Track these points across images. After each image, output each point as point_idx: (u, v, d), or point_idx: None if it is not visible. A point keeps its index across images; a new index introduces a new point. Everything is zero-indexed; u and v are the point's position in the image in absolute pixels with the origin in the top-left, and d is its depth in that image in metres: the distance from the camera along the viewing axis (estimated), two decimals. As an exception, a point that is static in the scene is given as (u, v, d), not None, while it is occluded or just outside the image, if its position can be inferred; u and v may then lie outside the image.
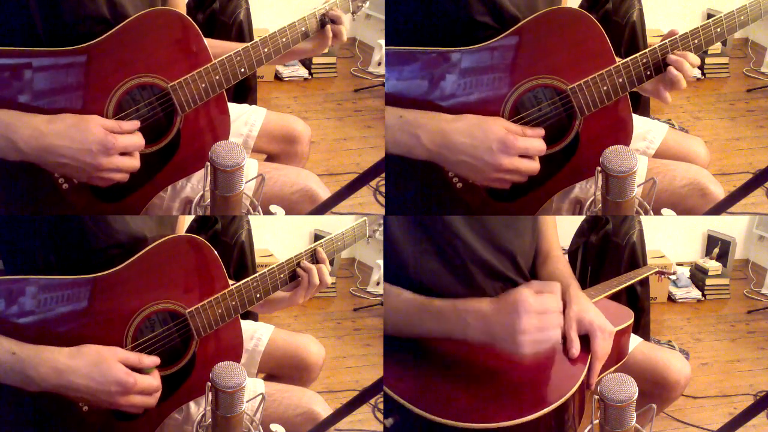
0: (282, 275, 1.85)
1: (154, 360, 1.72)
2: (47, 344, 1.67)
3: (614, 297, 1.98)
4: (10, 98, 1.70)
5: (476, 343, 1.62)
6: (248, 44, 1.79)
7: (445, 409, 1.55)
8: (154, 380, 1.71)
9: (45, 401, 1.68)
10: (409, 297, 1.69)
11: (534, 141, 1.73)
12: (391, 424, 1.62)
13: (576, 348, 1.65)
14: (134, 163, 1.74)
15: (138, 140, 1.73)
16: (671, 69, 1.73)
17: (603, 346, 1.67)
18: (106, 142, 1.69)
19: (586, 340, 1.67)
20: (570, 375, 1.62)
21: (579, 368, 1.63)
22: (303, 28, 1.86)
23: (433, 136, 1.72)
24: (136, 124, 1.74)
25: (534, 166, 1.73)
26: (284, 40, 1.83)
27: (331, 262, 1.97)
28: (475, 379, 1.60)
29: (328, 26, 1.87)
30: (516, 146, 1.71)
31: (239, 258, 2.30)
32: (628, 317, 1.82)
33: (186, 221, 1.94)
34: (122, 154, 1.72)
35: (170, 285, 1.75)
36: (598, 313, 1.69)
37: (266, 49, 1.81)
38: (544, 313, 1.59)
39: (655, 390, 1.97)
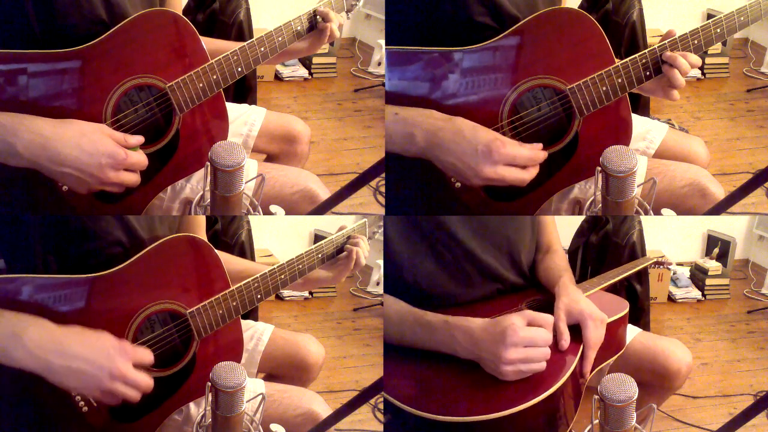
0: (283, 276, 1.85)
1: (138, 139, 1.72)
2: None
3: (613, 294, 1.98)
4: (7, 100, 1.69)
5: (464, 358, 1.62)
6: (245, 43, 1.79)
7: (439, 405, 1.55)
8: (140, 156, 1.71)
9: (44, 401, 1.67)
10: (402, 308, 1.69)
11: (522, 150, 1.71)
12: (387, 421, 1.63)
13: (566, 339, 1.65)
14: (136, 179, 1.73)
15: (144, 160, 1.73)
16: (665, 66, 1.73)
17: (595, 334, 1.67)
18: (116, 154, 1.68)
19: (578, 331, 1.67)
20: (561, 365, 1.62)
21: (570, 359, 1.64)
22: (298, 27, 1.86)
23: (426, 134, 1.72)
24: (140, 140, 1.73)
25: (521, 175, 1.72)
26: (280, 39, 1.83)
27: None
28: (467, 372, 1.61)
29: (324, 24, 1.87)
30: (501, 152, 1.70)
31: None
32: (623, 307, 1.82)
33: (201, 222, 1.93)
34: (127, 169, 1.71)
35: (171, 285, 1.75)
36: (588, 303, 1.69)
37: (262, 48, 1.81)
38: (531, 346, 1.57)
39: (656, 380, 1.96)
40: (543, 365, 1.59)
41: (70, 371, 1.63)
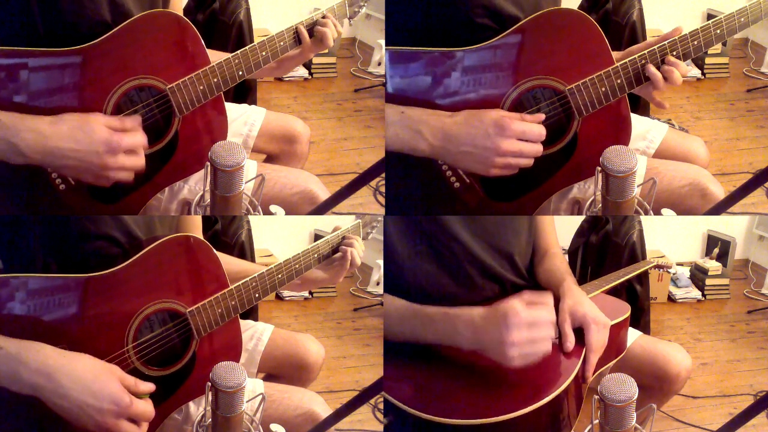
0: (280, 275, 1.85)
1: (149, 387, 1.69)
2: (44, 341, 1.66)
3: (614, 295, 1.98)
4: (7, 99, 1.69)
5: (467, 350, 1.62)
6: (246, 47, 1.79)
7: (441, 407, 1.55)
8: (147, 406, 1.67)
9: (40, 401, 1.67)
10: (402, 304, 1.69)
11: (532, 125, 1.71)
12: (388, 422, 1.63)
13: (570, 342, 1.65)
14: (139, 161, 1.72)
15: (141, 138, 1.72)
16: (664, 67, 1.72)
17: (597, 339, 1.67)
18: (110, 141, 1.68)
19: (582, 333, 1.67)
20: (564, 368, 1.62)
21: (573, 362, 1.64)
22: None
23: (435, 131, 1.72)
24: (138, 119, 1.73)
25: (535, 148, 1.72)
26: (282, 43, 1.83)
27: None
28: (469, 374, 1.60)
29: (323, 30, 1.85)
30: (512, 127, 1.70)
31: (239, 258, 2.30)
32: (624, 311, 1.82)
33: (197, 222, 1.93)
34: (127, 153, 1.70)
35: (170, 284, 1.75)
36: (592, 306, 1.69)
37: (264, 52, 1.81)
38: (534, 325, 1.56)
39: (656, 383, 1.97)
40: (549, 346, 1.57)
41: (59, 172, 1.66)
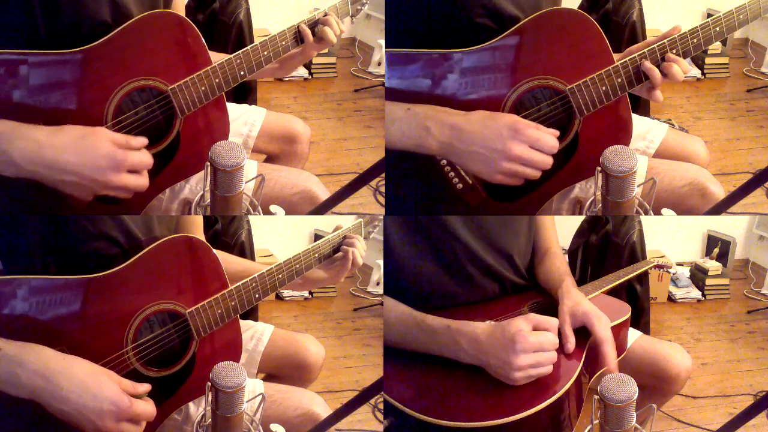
0: (281, 275, 1.85)
1: (141, 140, 1.66)
2: (44, 342, 1.66)
3: (614, 295, 1.99)
4: (6, 102, 1.67)
5: (468, 363, 1.62)
6: (248, 47, 1.79)
7: (441, 409, 1.55)
8: (147, 406, 1.66)
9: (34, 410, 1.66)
10: (403, 312, 1.69)
11: (546, 135, 1.70)
12: (389, 424, 1.63)
13: (571, 343, 1.65)
14: (142, 182, 1.69)
15: (147, 159, 1.69)
16: (665, 64, 1.72)
17: (605, 330, 1.66)
18: (116, 157, 1.64)
19: (581, 335, 1.67)
20: (565, 370, 1.62)
21: (574, 363, 1.64)
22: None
23: (443, 128, 1.70)
24: (144, 141, 1.70)
25: (545, 159, 1.70)
26: (283, 43, 1.83)
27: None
28: (470, 376, 1.61)
29: (324, 28, 1.85)
30: (526, 133, 1.68)
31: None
32: (624, 312, 1.82)
33: (198, 222, 1.92)
34: (130, 172, 1.67)
35: (170, 285, 1.75)
36: (591, 305, 1.69)
37: (266, 52, 1.80)
38: (540, 350, 1.58)
39: (656, 383, 1.97)
40: (551, 369, 1.59)
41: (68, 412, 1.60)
